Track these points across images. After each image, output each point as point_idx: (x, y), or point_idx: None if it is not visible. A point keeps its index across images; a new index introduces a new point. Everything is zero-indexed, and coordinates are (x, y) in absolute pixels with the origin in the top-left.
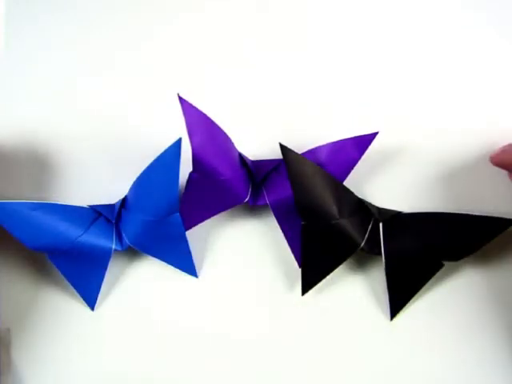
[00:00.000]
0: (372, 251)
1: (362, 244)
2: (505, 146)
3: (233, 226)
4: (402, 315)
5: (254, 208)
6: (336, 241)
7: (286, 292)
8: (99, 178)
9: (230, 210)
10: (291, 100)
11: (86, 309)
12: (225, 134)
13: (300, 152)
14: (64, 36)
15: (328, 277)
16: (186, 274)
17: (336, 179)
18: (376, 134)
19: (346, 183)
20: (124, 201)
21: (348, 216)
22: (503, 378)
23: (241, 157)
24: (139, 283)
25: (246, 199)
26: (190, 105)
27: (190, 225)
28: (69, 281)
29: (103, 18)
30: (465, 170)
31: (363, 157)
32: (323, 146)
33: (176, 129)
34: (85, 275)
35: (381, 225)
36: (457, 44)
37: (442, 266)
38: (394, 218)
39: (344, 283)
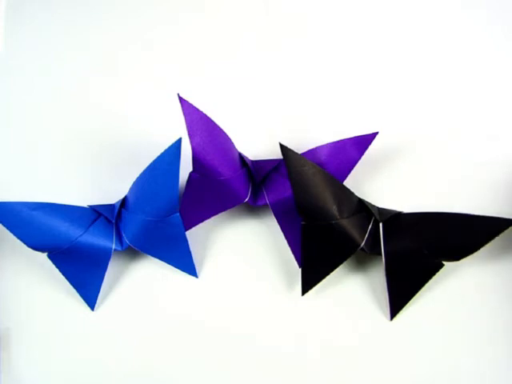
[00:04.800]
0: (372, 251)
1: (362, 244)
2: None
3: (233, 226)
4: (402, 315)
5: (253, 208)
6: (336, 241)
7: (286, 292)
8: (99, 178)
9: (229, 209)
10: (291, 100)
11: (85, 308)
12: (225, 133)
13: (300, 152)
14: (65, 37)
15: (328, 277)
16: (185, 274)
17: (336, 179)
18: (376, 134)
19: (345, 183)
20: (124, 201)
21: (348, 216)
22: (503, 376)
23: (241, 157)
24: (139, 283)
25: (246, 199)
26: (190, 105)
27: (189, 225)
28: (69, 281)
29: (104, 19)
30: (465, 171)
31: (363, 157)
32: (323, 145)
33: (176, 129)
34: (85, 275)
35: (381, 225)
36: (457, 44)
37: (441, 266)
38: (393, 218)
39: (344, 283)
